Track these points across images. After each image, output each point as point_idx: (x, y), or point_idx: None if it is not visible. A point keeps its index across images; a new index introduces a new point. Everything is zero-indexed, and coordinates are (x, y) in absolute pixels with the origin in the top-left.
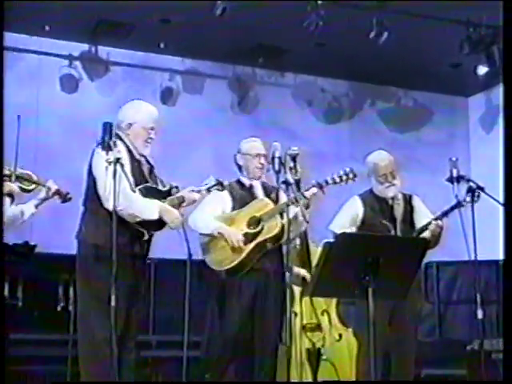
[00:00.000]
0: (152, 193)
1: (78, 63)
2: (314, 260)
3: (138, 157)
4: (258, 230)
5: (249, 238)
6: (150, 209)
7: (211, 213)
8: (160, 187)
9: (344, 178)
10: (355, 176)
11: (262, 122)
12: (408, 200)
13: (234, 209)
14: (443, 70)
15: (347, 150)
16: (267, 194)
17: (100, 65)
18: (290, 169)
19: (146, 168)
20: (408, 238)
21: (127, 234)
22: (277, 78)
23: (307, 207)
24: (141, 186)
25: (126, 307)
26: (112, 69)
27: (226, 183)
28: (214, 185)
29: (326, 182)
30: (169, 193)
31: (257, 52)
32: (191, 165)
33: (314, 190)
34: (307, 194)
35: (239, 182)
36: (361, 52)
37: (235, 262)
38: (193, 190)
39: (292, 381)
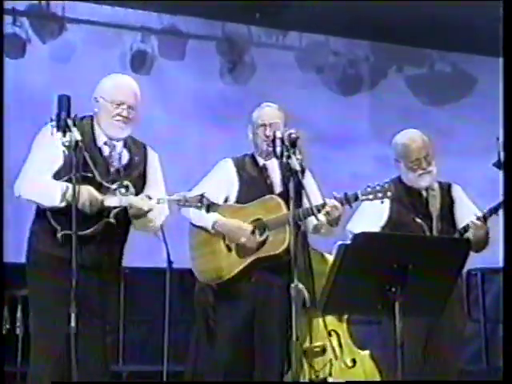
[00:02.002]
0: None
1: (24, 20)
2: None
3: (100, 144)
4: (261, 240)
5: (249, 248)
6: (50, 191)
7: (211, 198)
8: (106, 183)
9: (380, 195)
10: (393, 195)
11: (260, 94)
12: (447, 191)
13: (240, 195)
14: (489, 26)
15: (367, 129)
16: (284, 181)
17: (53, 22)
18: (294, 153)
19: (113, 161)
20: (444, 239)
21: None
22: (278, 38)
23: (331, 223)
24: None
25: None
26: (69, 27)
27: (228, 161)
28: (191, 201)
29: (356, 198)
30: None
31: (252, 6)
32: (168, 150)
33: (335, 202)
34: (328, 207)
35: (252, 158)
36: (384, 5)
37: (226, 277)
38: (149, 197)
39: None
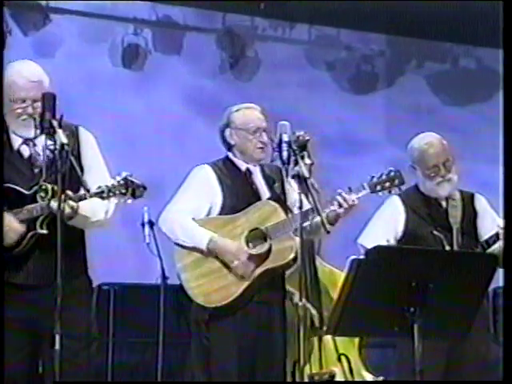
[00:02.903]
0: (10, 198)
1: (5, 10)
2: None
3: (17, 146)
4: (263, 251)
5: (251, 262)
6: None
7: (194, 211)
8: (28, 190)
9: (387, 184)
10: (402, 183)
11: (265, 93)
12: (469, 201)
13: (224, 204)
14: None
15: (382, 132)
16: (269, 185)
17: (36, 13)
18: (302, 158)
19: (36, 161)
20: (469, 254)
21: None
22: (285, 30)
23: (333, 221)
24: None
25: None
26: (53, 18)
27: (205, 167)
28: (114, 189)
29: (362, 188)
30: (34, 196)
31: None
32: (162, 155)
33: (345, 194)
34: (340, 198)
35: (230, 162)
36: None
37: (229, 299)
38: (70, 198)
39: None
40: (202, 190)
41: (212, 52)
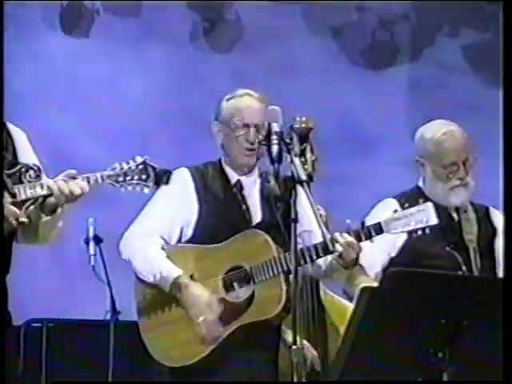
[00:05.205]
0: None
1: None
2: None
3: None
4: (243, 298)
5: (226, 313)
6: None
7: (164, 232)
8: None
9: (413, 223)
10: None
11: (249, 69)
12: (484, 216)
13: (198, 224)
14: None
15: (404, 120)
16: (268, 205)
17: None
18: (299, 155)
19: None
20: None
21: None
22: None
23: (347, 265)
24: None
25: None
26: None
27: (183, 172)
28: (132, 173)
29: (379, 230)
30: (19, 177)
31: None
32: (113, 153)
33: (348, 237)
34: (340, 243)
35: (220, 169)
36: None
37: (193, 360)
38: (74, 177)
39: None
40: (175, 199)
41: (181, 14)
